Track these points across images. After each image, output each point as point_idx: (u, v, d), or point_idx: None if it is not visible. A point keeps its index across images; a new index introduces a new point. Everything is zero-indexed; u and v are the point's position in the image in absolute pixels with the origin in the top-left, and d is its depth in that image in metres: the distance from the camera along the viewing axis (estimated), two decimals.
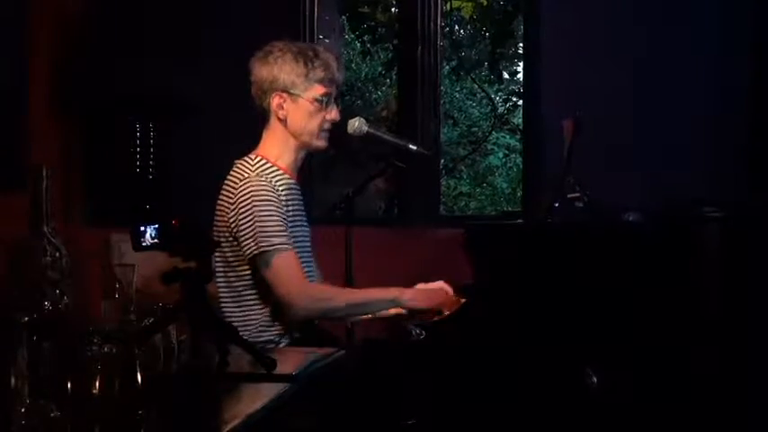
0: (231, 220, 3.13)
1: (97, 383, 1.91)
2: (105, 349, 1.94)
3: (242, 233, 3.11)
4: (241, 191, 3.13)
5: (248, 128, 3.32)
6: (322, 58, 3.24)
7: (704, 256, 3.30)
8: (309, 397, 2.42)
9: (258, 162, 3.22)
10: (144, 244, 2.30)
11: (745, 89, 4.22)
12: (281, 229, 3.12)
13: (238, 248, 3.13)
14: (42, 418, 1.83)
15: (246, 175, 3.17)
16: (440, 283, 3.35)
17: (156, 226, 2.31)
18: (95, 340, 1.97)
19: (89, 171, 4.62)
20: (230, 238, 3.14)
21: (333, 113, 3.26)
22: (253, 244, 3.09)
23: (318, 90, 3.23)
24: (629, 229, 3.39)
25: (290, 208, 3.20)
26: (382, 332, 3.40)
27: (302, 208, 3.31)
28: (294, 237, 3.18)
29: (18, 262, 2.33)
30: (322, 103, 3.23)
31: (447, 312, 3.20)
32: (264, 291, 3.16)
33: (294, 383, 2.30)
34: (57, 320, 2.17)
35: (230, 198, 3.15)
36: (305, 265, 3.23)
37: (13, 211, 2.51)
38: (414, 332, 3.18)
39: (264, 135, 3.29)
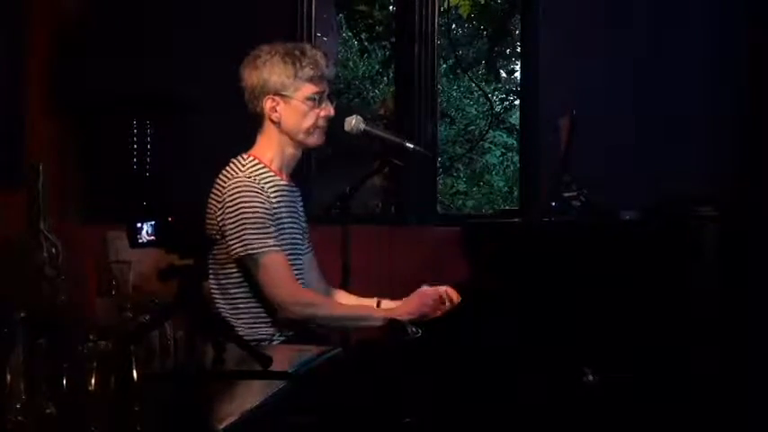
0: (219, 220, 3.13)
1: (93, 380, 1.91)
2: (101, 346, 1.94)
3: (229, 233, 3.10)
4: (228, 190, 3.13)
5: (245, 126, 3.32)
6: (310, 57, 3.23)
7: (701, 254, 3.30)
8: (305, 394, 2.41)
9: (250, 162, 3.22)
10: (140, 241, 2.30)
11: (743, 88, 4.22)
12: (269, 230, 3.11)
13: (226, 247, 3.13)
14: (38, 415, 1.83)
15: (235, 174, 3.17)
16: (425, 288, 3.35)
17: (153, 223, 2.31)
18: (91, 337, 1.97)
19: (86, 168, 4.62)
20: (218, 237, 3.13)
21: (327, 110, 3.26)
22: (240, 245, 3.09)
23: (309, 89, 3.22)
24: (626, 228, 3.39)
25: (280, 210, 3.20)
26: (378, 330, 3.39)
27: (295, 210, 3.30)
28: (284, 239, 3.18)
29: (15, 259, 2.33)
30: (314, 101, 3.23)
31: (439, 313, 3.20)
32: (253, 289, 3.16)
33: (290, 381, 2.30)
34: (53, 317, 2.17)
35: (218, 197, 3.15)
36: (295, 268, 3.23)
37: (11, 209, 2.51)
38: (410, 330, 3.17)
39: (258, 138, 3.29)
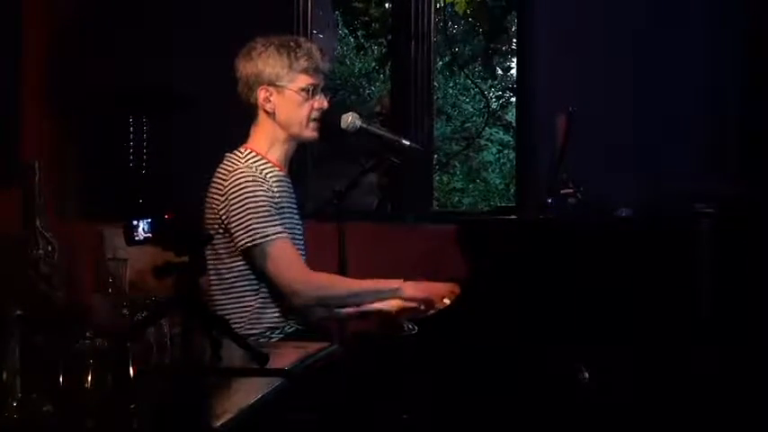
0: (222, 212, 3.13)
1: (89, 378, 1.91)
2: (97, 343, 1.94)
3: (234, 225, 3.11)
4: (231, 182, 3.14)
5: (242, 122, 3.32)
6: (305, 48, 3.25)
7: (697, 251, 3.30)
8: (302, 392, 2.42)
9: (247, 154, 3.23)
10: (137, 238, 2.30)
11: (742, 87, 4.21)
12: (275, 218, 3.12)
13: (229, 240, 3.14)
14: (34, 413, 1.83)
15: (236, 166, 3.18)
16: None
17: (149, 220, 2.31)
18: (88, 334, 1.97)
19: (82, 166, 4.62)
20: (220, 231, 3.14)
21: (320, 102, 3.27)
22: (246, 236, 3.10)
23: (304, 80, 3.24)
24: (622, 225, 3.39)
25: (281, 200, 3.21)
26: (375, 327, 3.40)
27: (293, 201, 3.32)
28: (285, 229, 3.19)
29: (11, 256, 2.33)
30: (308, 92, 3.24)
31: (444, 305, 3.21)
32: (256, 282, 3.17)
33: (287, 378, 2.30)
34: (49, 314, 2.17)
35: (220, 190, 3.16)
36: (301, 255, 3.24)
37: (6, 206, 2.51)
38: (406, 327, 3.18)
39: (253, 130, 3.30)
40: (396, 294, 3.22)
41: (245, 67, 3.26)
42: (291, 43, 3.26)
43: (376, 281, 3.29)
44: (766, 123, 4.13)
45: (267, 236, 3.10)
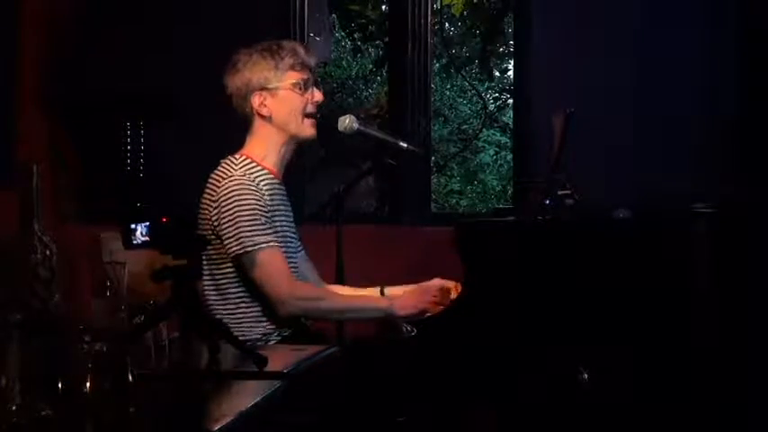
0: (213, 219, 3.13)
1: (88, 382, 1.90)
2: (96, 347, 1.94)
3: (224, 232, 3.11)
4: (223, 189, 3.14)
5: (239, 127, 3.32)
6: (287, 48, 3.27)
7: (696, 252, 3.30)
8: (300, 394, 2.42)
9: (242, 161, 3.23)
10: (134, 242, 2.30)
11: (739, 87, 4.21)
12: (265, 227, 3.12)
13: (221, 246, 3.14)
14: (33, 417, 1.83)
15: (229, 173, 3.18)
16: (436, 281, 3.36)
17: (147, 224, 2.31)
18: (86, 338, 1.97)
19: (80, 169, 4.61)
20: (213, 236, 3.14)
21: (316, 95, 3.28)
22: (236, 243, 3.10)
23: (293, 76, 3.25)
24: (620, 226, 3.39)
25: (274, 207, 3.20)
26: (372, 329, 3.40)
27: (288, 208, 3.31)
28: (278, 236, 3.18)
29: (8, 260, 2.32)
30: (301, 87, 3.25)
31: (440, 308, 3.21)
32: (251, 288, 3.17)
33: (285, 381, 2.30)
34: (47, 319, 2.17)
35: (212, 196, 3.16)
36: (290, 264, 3.23)
37: (4, 209, 2.50)
38: (404, 329, 3.18)
39: (249, 138, 3.30)
40: (386, 314, 3.21)
41: (234, 81, 3.27)
42: (273, 46, 3.28)
43: (366, 299, 3.29)
44: (764, 124, 4.13)
45: (256, 244, 3.10)
